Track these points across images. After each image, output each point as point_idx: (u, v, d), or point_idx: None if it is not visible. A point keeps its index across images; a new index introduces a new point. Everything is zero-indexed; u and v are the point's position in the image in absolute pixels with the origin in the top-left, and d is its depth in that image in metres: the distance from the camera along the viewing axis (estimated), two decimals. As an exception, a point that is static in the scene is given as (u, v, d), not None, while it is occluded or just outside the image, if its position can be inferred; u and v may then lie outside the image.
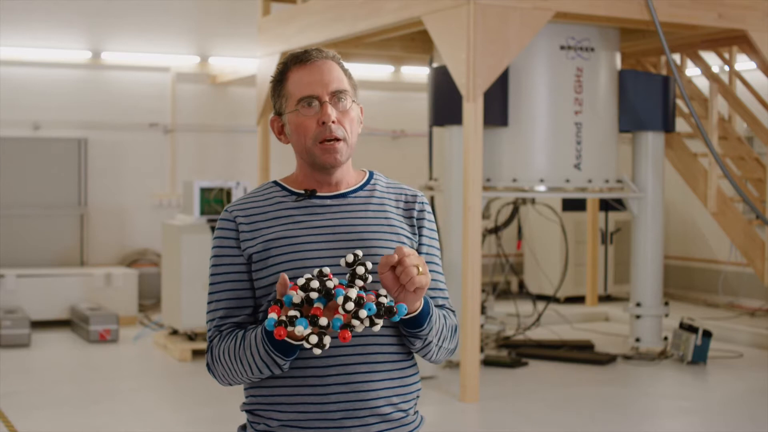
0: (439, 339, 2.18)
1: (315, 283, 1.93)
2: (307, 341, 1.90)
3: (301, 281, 1.93)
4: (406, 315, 2.04)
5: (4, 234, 9.54)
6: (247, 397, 2.22)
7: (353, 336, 2.09)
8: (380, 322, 1.95)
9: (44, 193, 9.74)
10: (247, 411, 2.22)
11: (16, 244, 9.59)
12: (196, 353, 7.54)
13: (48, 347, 8.14)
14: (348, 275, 1.97)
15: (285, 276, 1.98)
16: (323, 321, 1.90)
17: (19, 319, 8.15)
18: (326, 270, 1.96)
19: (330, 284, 1.94)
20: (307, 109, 2.17)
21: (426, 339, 2.14)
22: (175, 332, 8.05)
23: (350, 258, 1.98)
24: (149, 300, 9.95)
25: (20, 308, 8.61)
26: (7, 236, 9.55)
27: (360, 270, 1.97)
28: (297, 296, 1.92)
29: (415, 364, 2.24)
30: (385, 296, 1.97)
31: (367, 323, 1.94)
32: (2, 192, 9.55)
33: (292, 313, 1.91)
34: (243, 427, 2.24)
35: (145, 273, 9.95)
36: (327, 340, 1.91)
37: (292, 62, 2.21)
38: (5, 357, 7.66)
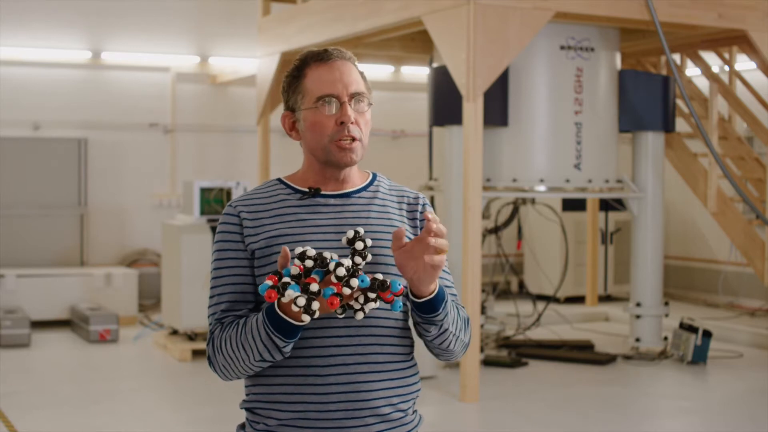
0: (455, 328, 2.17)
1: (311, 252, 1.95)
2: (295, 303, 1.91)
3: (298, 251, 1.96)
4: (420, 299, 2.06)
5: (4, 234, 9.54)
6: (247, 395, 2.22)
7: (354, 335, 2.10)
8: (374, 296, 1.95)
9: (44, 193, 9.74)
10: (246, 409, 2.22)
11: (16, 244, 9.59)
12: (196, 353, 7.54)
13: (48, 347, 8.14)
14: (349, 255, 1.99)
15: (287, 249, 2.00)
16: (314, 287, 1.92)
17: (19, 319, 8.15)
18: (326, 254, 1.97)
19: (326, 254, 1.96)
20: (325, 107, 2.17)
21: (442, 325, 2.14)
22: (175, 332, 8.05)
23: (351, 234, 2.00)
24: (149, 300, 9.95)
25: (20, 308, 8.61)
26: (7, 236, 9.56)
27: (359, 245, 1.98)
28: (295, 268, 1.95)
29: (415, 365, 2.24)
30: (382, 276, 1.98)
31: (362, 300, 1.95)
32: (2, 192, 9.55)
33: (285, 280, 1.93)
34: (242, 426, 2.24)
35: (145, 273, 9.95)
36: (315, 305, 1.92)
37: (312, 59, 2.21)
38: (5, 357, 7.66)
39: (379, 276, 1.97)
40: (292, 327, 2.01)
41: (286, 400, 2.13)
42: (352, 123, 2.16)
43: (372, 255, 2.09)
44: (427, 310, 2.09)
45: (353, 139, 2.17)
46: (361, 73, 2.24)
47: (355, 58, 2.26)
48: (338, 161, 2.18)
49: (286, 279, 1.93)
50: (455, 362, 7.13)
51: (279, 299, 1.95)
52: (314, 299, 1.92)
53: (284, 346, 2.05)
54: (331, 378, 2.10)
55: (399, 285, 1.97)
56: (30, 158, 9.69)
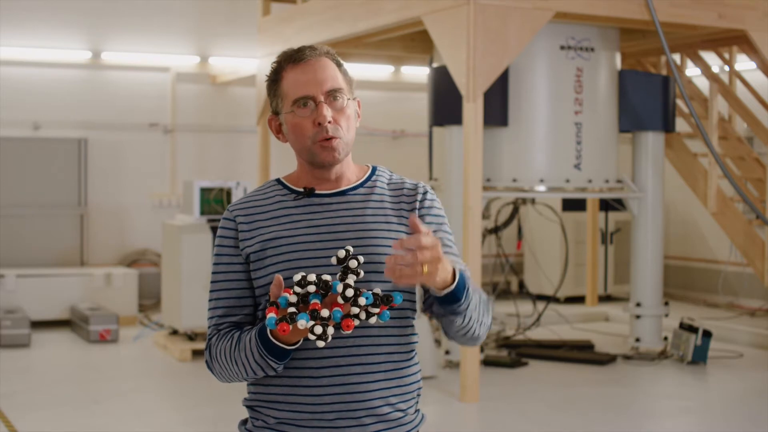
0: (478, 314, 2.11)
1: (312, 277, 1.95)
2: (312, 332, 1.91)
3: (297, 277, 1.95)
4: (441, 293, 1.99)
5: (4, 234, 9.54)
6: (248, 393, 2.24)
7: (348, 336, 2.09)
8: (376, 311, 1.95)
9: (44, 193, 9.74)
10: (247, 407, 2.24)
11: (16, 244, 9.59)
12: (196, 353, 7.54)
13: (48, 347, 8.14)
14: (339, 273, 1.98)
15: (279, 277, 2.00)
16: (325, 312, 1.92)
17: (19, 319, 8.15)
18: (311, 277, 1.96)
19: (326, 277, 1.96)
20: (302, 109, 2.16)
21: (465, 315, 2.07)
22: (175, 332, 8.05)
23: (342, 253, 1.98)
24: (149, 300, 9.95)
25: (20, 308, 8.61)
26: (7, 236, 9.55)
27: (353, 263, 1.97)
28: (293, 296, 1.95)
29: (415, 363, 2.22)
30: (380, 291, 1.98)
31: (363, 315, 1.94)
32: (2, 192, 9.55)
33: (291, 310, 1.93)
34: (244, 422, 2.26)
35: (145, 273, 9.95)
36: (330, 331, 1.93)
37: (286, 61, 2.19)
38: (5, 357, 7.66)
39: (378, 291, 1.97)
40: (286, 351, 2.04)
41: (282, 400, 2.14)
42: (329, 122, 2.14)
43: (367, 256, 2.07)
44: (449, 301, 2.02)
45: (333, 138, 2.15)
46: (341, 67, 2.21)
47: (334, 51, 2.22)
48: (322, 161, 2.17)
49: (291, 309, 1.93)
50: (455, 362, 7.13)
51: (272, 328, 1.95)
52: (328, 325, 1.93)
53: (277, 367, 2.08)
54: (325, 379, 2.10)
55: (401, 297, 1.97)
56: (30, 158, 9.69)
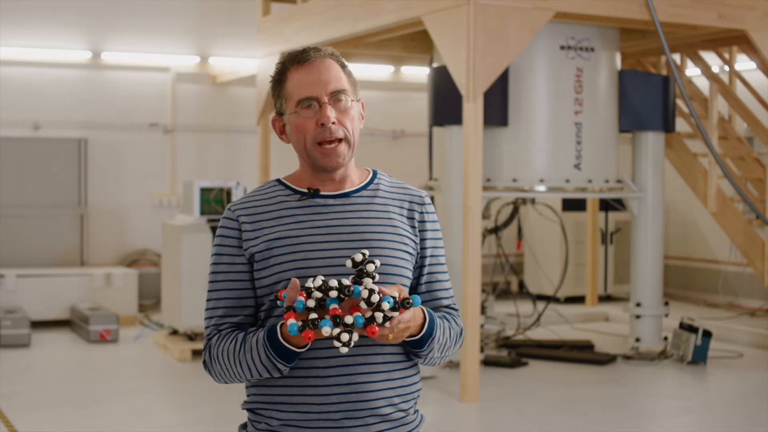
0: (441, 351, 2.19)
1: (333, 282, 1.94)
2: (338, 339, 1.91)
3: (317, 282, 1.94)
4: (408, 338, 2.09)
5: (4, 234, 9.54)
6: (248, 396, 2.23)
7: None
8: (396, 314, 1.96)
9: (44, 193, 9.74)
10: (248, 410, 2.23)
11: (16, 244, 9.59)
12: (196, 353, 7.54)
13: (48, 347, 8.14)
14: (354, 275, 1.98)
15: (296, 281, 1.98)
16: (349, 319, 1.91)
17: (19, 319, 8.15)
18: (333, 282, 1.96)
19: (346, 282, 1.95)
20: (306, 110, 2.16)
21: (426, 357, 2.17)
22: (175, 332, 8.05)
23: (359, 257, 1.99)
24: (149, 300, 9.95)
25: (20, 308, 8.61)
26: (7, 236, 9.55)
27: (370, 267, 1.97)
28: (310, 300, 1.93)
29: (416, 364, 2.24)
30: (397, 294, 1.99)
31: (380, 319, 1.95)
32: (2, 192, 9.55)
33: (313, 316, 1.92)
34: (244, 426, 2.25)
35: (145, 273, 9.95)
36: (355, 336, 1.93)
37: (291, 62, 2.19)
38: (5, 357, 7.66)
39: (396, 294, 1.98)
40: (294, 353, 2.03)
41: (287, 401, 2.13)
42: (333, 123, 2.14)
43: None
44: (412, 345, 2.13)
45: (339, 141, 2.15)
46: (345, 68, 2.21)
47: (338, 53, 2.23)
48: (324, 166, 2.17)
49: (313, 315, 1.92)
50: (455, 362, 7.13)
51: (282, 328, 1.95)
52: (352, 331, 1.92)
53: (285, 369, 2.07)
54: (331, 379, 2.10)
55: (419, 300, 2.00)
56: (30, 158, 9.69)
